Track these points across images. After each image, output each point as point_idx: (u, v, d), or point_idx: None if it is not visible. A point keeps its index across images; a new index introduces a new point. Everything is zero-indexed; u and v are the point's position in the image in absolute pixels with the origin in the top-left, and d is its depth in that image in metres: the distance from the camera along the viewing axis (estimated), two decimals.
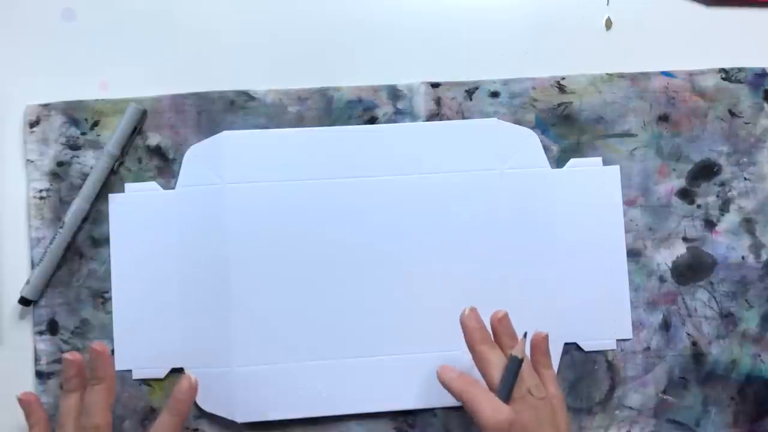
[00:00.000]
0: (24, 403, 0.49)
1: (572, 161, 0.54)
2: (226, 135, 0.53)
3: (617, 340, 0.53)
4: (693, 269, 0.54)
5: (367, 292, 0.52)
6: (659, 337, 0.53)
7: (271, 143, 0.53)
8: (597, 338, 0.53)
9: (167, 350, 0.52)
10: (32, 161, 0.53)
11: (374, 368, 0.52)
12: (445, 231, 0.53)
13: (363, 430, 0.52)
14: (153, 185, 0.53)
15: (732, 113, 0.55)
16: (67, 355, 0.48)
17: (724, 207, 0.54)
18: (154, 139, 0.53)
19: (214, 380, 0.52)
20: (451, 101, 0.54)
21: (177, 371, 0.52)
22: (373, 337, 0.52)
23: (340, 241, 0.53)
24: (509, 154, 0.54)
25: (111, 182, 0.53)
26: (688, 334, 0.54)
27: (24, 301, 0.52)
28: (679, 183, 0.54)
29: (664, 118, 0.55)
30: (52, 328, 0.52)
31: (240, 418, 0.51)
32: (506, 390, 0.45)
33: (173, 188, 0.53)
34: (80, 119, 0.53)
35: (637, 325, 0.53)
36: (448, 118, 0.54)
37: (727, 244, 0.54)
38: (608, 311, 0.53)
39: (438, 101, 0.54)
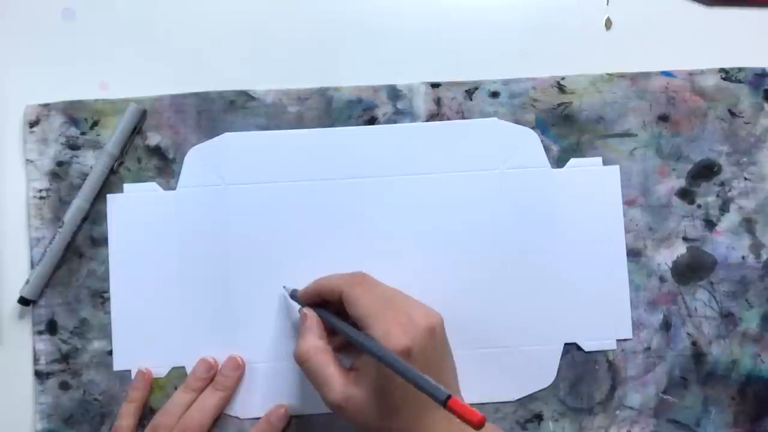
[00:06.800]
0: (139, 374, 0.51)
1: (572, 161, 0.54)
2: (227, 136, 0.53)
3: (617, 340, 0.53)
4: (693, 269, 0.54)
5: None
6: (659, 337, 0.53)
7: (272, 144, 0.53)
8: (597, 338, 0.53)
9: (167, 350, 0.52)
10: (32, 161, 0.53)
11: None
12: (445, 231, 0.53)
13: None
14: (152, 186, 0.53)
15: (732, 113, 0.55)
16: (207, 358, 0.51)
17: (724, 207, 0.54)
18: (153, 139, 0.53)
19: None
20: (451, 101, 0.54)
21: (177, 370, 0.52)
22: None
23: (341, 241, 0.53)
24: (509, 154, 0.54)
25: (111, 182, 0.53)
26: (689, 334, 0.53)
27: (23, 301, 0.52)
28: (679, 183, 0.54)
29: (664, 118, 0.55)
30: (52, 327, 0.52)
31: (242, 414, 0.52)
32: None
33: (173, 188, 0.53)
34: (80, 119, 0.53)
35: (638, 325, 0.53)
36: (448, 118, 0.54)
37: (727, 244, 0.54)
38: (608, 311, 0.53)
39: (438, 101, 0.54)
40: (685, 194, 0.54)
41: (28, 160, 0.53)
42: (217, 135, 0.53)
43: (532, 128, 0.54)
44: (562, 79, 0.55)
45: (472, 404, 0.51)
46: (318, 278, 0.49)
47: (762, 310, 0.54)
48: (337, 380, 0.45)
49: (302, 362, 0.46)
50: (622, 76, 0.55)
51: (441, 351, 0.46)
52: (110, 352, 0.52)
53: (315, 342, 0.47)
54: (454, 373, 0.47)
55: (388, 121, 0.54)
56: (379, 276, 0.51)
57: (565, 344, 0.53)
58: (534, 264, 0.53)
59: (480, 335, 0.52)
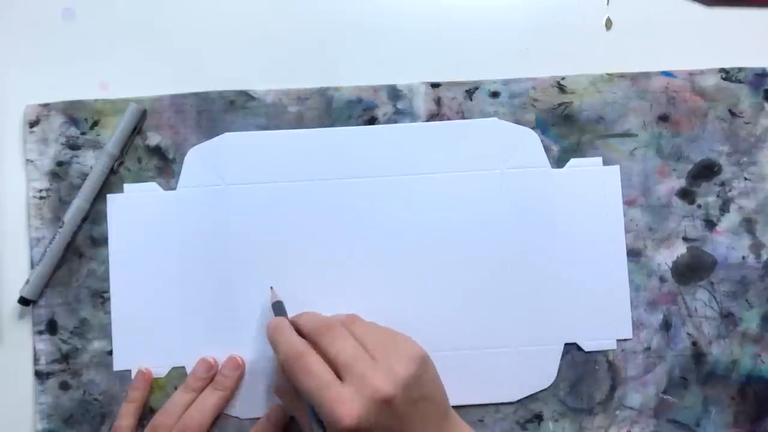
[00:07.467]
0: (139, 374, 0.51)
1: (572, 161, 0.54)
2: (227, 136, 0.53)
3: (617, 340, 0.53)
4: (693, 269, 0.54)
5: (368, 292, 0.52)
6: (659, 337, 0.53)
7: (272, 144, 0.53)
8: (597, 338, 0.53)
9: (167, 350, 0.52)
10: (32, 161, 0.53)
11: None
12: (445, 231, 0.53)
13: None
14: (152, 186, 0.53)
15: (732, 113, 0.55)
16: (207, 358, 0.51)
17: (725, 207, 0.54)
18: (153, 139, 0.53)
19: None
20: (451, 101, 0.54)
21: (177, 370, 0.52)
22: None
23: (340, 241, 0.53)
24: (509, 154, 0.54)
25: (111, 182, 0.53)
26: (689, 334, 0.53)
27: (23, 301, 0.52)
28: (679, 183, 0.54)
29: (664, 118, 0.55)
30: (52, 327, 0.52)
31: (242, 414, 0.52)
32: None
33: (173, 188, 0.53)
34: (80, 119, 0.53)
35: (638, 325, 0.53)
36: (448, 118, 0.54)
37: (727, 244, 0.54)
38: (608, 311, 0.53)
39: (438, 101, 0.54)
40: (686, 194, 0.54)
41: (28, 160, 0.53)
42: (217, 135, 0.53)
43: (532, 128, 0.54)
44: (562, 79, 0.55)
45: (472, 405, 0.52)
46: (278, 332, 0.47)
47: (762, 310, 0.54)
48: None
49: (279, 398, 0.49)
50: (622, 76, 0.55)
51: (407, 416, 0.43)
52: (110, 352, 0.52)
53: (286, 384, 0.47)
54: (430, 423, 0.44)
55: (388, 121, 0.54)
56: (379, 276, 0.51)
57: (565, 344, 0.53)
58: (534, 264, 0.53)
59: (480, 335, 0.52)
